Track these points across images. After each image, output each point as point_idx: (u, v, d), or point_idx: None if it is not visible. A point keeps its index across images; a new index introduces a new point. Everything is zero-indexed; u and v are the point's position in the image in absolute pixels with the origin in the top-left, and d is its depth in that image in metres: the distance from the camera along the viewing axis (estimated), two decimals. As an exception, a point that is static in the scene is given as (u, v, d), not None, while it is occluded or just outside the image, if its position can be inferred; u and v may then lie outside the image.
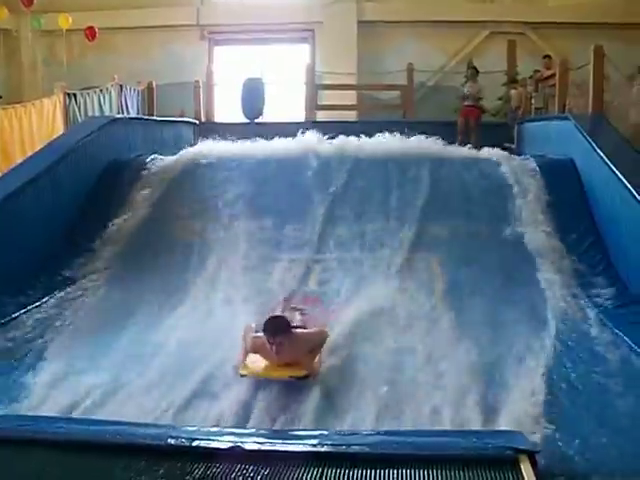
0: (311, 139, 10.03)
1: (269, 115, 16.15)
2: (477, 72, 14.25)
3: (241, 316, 6.53)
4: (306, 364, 5.47)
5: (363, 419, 4.87)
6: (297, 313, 6.38)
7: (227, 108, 17.25)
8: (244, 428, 4.69)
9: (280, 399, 5.17)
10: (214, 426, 4.68)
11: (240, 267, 7.82)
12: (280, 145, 10.13)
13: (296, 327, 5.72)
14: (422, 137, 9.90)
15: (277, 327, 5.37)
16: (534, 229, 7.94)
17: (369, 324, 6.42)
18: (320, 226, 8.40)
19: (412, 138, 9.87)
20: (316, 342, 5.68)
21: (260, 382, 5.36)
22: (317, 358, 5.64)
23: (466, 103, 13.96)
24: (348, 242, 8.15)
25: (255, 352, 5.56)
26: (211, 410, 5.05)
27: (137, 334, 6.40)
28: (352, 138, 10.05)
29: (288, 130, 10.73)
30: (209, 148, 10.35)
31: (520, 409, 4.81)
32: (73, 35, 17.62)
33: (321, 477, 3.63)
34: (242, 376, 5.42)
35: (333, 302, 7.00)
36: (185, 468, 3.71)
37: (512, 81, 15.37)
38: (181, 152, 10.13)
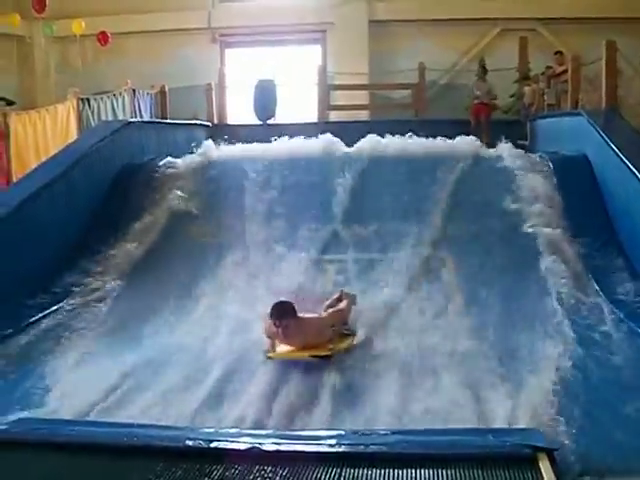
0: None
1: (281, 116, 16.19)
2: (485, 71, 14.28)
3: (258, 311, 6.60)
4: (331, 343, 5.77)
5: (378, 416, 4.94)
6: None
7: (239, 110, 17.29)
8: (262, 428, 4.71)
9: (300, 393, 5.29)
10: (232, 427, 4.70)
11: (259, 267, 7.82)
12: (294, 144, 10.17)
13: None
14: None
15: (282, 311, 5.67)
16: (548, 225, 7.90)
17: (387, 321, 6.50)
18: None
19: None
20: (327, 324, 5.97)
21: (281, 376, 5.52)
22: (349, 340, 5.98)
23: (476, 101, 14.00)
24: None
25: (269, 336, 5.87)
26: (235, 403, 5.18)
27: (154, 336, 6.46)
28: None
29: (301, 131, 10.73)
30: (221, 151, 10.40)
31: (536, 405, 4.81)
32: (86, 40, 17.72)
33: (339, 477, 3.63)
34: (269, 358, 5.74)
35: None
36: (203, 470, 3.73)
37: (524, 78, 15.30)
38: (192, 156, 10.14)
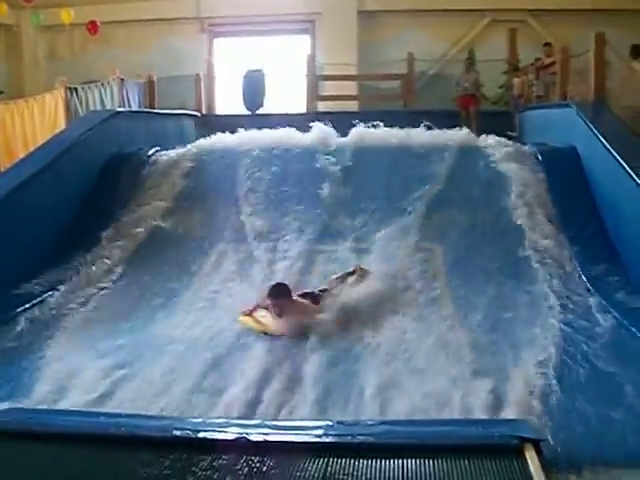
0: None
1: (270, 106, 16.17)
2: (472, 63, 14.34)
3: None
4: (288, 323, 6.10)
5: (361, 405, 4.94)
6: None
7: (228, 100, 17.25)
8: (249, 418, 4.71)
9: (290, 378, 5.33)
10: (219, 417, 4.69)
11: (249, 257, 7.87)
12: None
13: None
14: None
15: (279, 291, 6.26)
16: (535, 216, 7.94)
17: (370, 310, 6.52)
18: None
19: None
20: (310, 313, 6.26)
21: (273, 359, 5.61)
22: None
23: (463, 93, 14.06)
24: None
25: (265, 307, 6.33)
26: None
27: (143, 326, 6.45)
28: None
29: (289, 121, 10.73)
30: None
31: (523, 396, 4.83)
32: (74, 30, 17.65)
33: (326, 467, 3.63)
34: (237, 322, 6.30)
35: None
36: (191, 459, 3.72)
37: (514, 69, 15.35)
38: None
